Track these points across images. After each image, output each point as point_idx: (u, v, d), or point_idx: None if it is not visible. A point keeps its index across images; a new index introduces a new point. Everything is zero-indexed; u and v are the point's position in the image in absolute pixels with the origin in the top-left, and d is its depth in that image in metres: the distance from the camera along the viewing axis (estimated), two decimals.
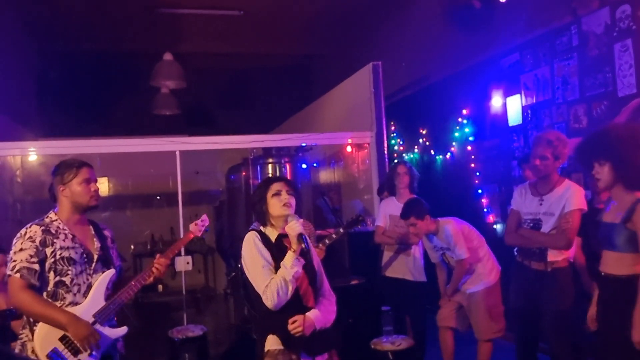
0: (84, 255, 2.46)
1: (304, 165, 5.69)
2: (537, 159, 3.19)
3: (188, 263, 4.80)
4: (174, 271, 5.49)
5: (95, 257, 2.50)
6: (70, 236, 2.44)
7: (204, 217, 2.88)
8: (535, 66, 4.60)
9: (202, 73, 8.44)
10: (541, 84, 4.55)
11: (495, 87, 5.12)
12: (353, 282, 4.28)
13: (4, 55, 5.94)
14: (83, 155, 6.25)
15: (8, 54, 6.10)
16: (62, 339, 2.32)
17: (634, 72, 3.68)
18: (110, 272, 2.51)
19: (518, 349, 3.45)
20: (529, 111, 4.70)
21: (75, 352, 2.33)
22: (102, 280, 2.46)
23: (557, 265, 3.16)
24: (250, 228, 2.53)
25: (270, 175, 5.23)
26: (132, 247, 7.52)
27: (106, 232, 2.64)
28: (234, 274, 5.38)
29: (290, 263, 2.32)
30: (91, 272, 2.46)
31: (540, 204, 3.24)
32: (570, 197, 3.13)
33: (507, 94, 4.98)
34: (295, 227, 2.35)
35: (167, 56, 6.88)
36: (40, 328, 2.31)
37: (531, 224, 3.27)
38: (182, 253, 4.81)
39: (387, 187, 4.32)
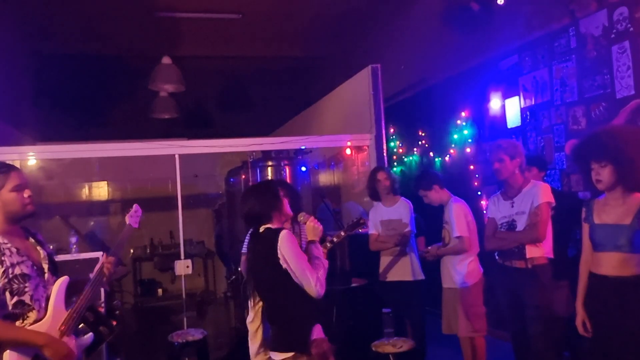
0: (35, 268, 2.25)
1: (303, 168, 5.68)
2: (495, 162, 3.43)
3: (188, 267, 4.78)
4: (173, 275, 5.47)
5: (46, 267, 2.31)
6: (14, 250, 2.21)
7: (136, 206, 2.70)
8: (534, 68, 4.61)
9: (201, 76, 8.44)
10: (540, 86, 4.56)
11: (494, 89, 5.14)
12: (354, 285, 4.28)
13: (1, 59, 5.93)
14: (82, 159, 6.30)
15: (5, 58, 6.09)
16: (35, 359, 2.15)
17: (632, 73, 3.69)
18: (64, 280, 2.32)
19: (514, 349, 3.49)
20: (528, 113, 4.71)
21: None
22: (58, 289, 2.28)
23: (537, 262, 3.26)
24: (278, 227, 2.62)
25: (270, 178, 5.23)
26: (132, 251, 7.52)
27: (39, 237, 2.42)
28: (234, 277, 5.36)
29: (324, 255, 2.60)
30: (45, 283, 2.28)
31: (512, 206, 3.40)
32: (537, 192, 3.30)
33: (506, 96, 4.99)
34: (317, 224, 2.70)
35: (166, 60, 6.87)
36: (9, 355, 2.10)
37: (506, 226, 3.41)
38: (182, 257, 4.80)
39: (370, 194, 4.36)
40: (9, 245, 2.20)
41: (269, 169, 5.30)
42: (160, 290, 7.71)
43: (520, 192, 3.39)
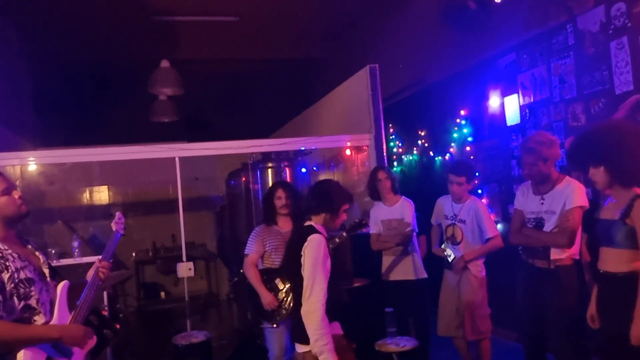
0: (37, 272, 2.25)
1: (303, 169, 5.69)
2: (526, 167, 3.26)
3: (190, 269, 4.79)
4: (176, 278, 5.47)
5: (46, 271, 2.31)
6: (16, 255, 2.20)
7: (118, 214, 2.75)
8: (532, 65, 4.62)
9: (200, 79, 8.45)
10: (538, 83, 4.57)
11: (493, 87, 5.14)
12: (356, 284, 4.28)
13: (1, 64, 5.95)
14: (82, 164, 6.29)
15: (5, 63, 6.11)
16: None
17: (631, 69, 3.69)
18: (65, 283, 2.31)
19: (526, 349, 3.44)
20: (527, 110, 4.72)
21: None
22: (61, 293, 2.29)
23: (561, 263, 3.16)
24: (315, 231, 2.56)
25: (270, 180, 5.24)
26: (134, 254, 7.53)
27: (32, 244, 2.41)
28: (236, 279, 5.37)
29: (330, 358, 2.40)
30: (48, 287, 2.28)
31: (542, 203, 3.25)
32: (570, 194, 3.13)
33: (505, 93, 5.00)
34: None
35: (164, 63, 6.89)
36: (24, 355, 2.08)
37: (534, 223, 3.28)
38: (184, 259, 4.81)
39: (371, 194, 4.35)
40: (9, 251, 2.19)
41: (269, 170, 5.31)
42: (163, 293, 7.72)
43: (552, 189, 3.20)
